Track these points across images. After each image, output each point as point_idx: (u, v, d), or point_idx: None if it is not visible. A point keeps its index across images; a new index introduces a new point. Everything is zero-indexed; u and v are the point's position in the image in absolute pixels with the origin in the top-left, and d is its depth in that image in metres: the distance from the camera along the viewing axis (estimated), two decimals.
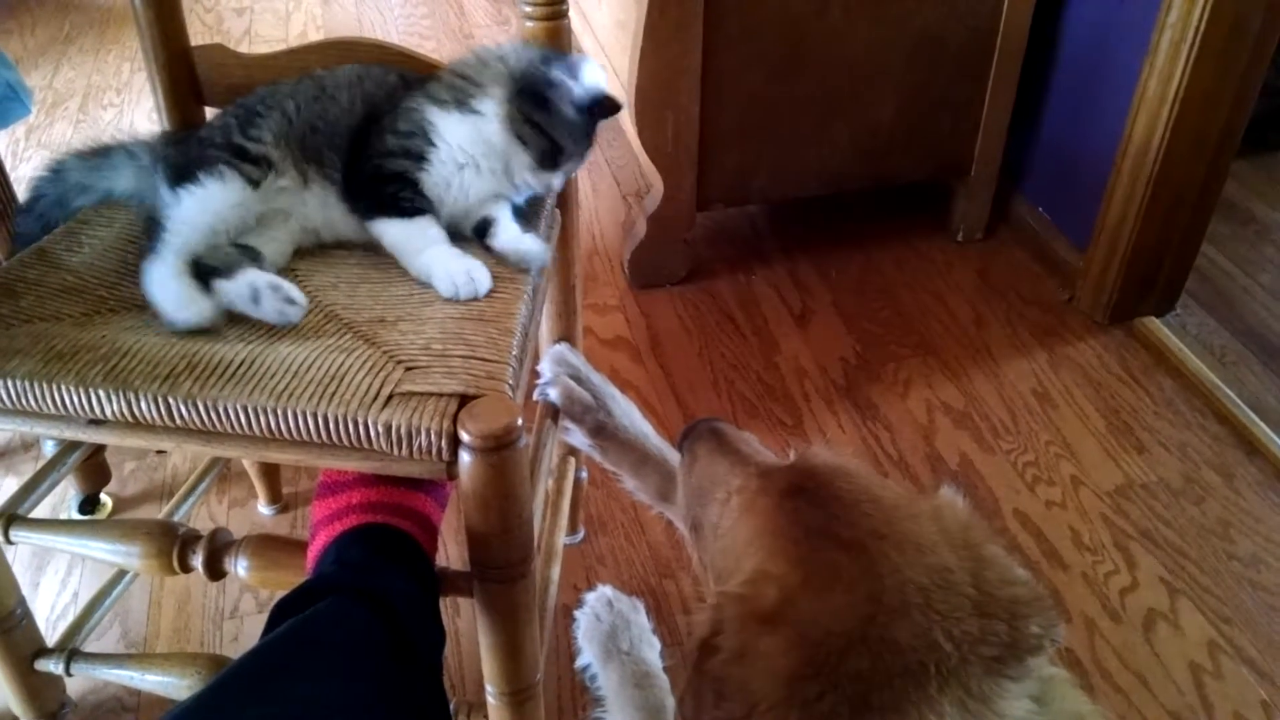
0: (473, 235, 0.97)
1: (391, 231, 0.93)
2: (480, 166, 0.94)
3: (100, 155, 1.01)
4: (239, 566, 1.00)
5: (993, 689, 0.59)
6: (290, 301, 0.86)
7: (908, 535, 0.64)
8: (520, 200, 1.00)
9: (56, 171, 1.01)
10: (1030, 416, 1.67)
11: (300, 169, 0.94)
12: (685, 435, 0.87)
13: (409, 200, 0.93)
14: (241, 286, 0.86)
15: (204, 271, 0.88)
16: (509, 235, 0.95)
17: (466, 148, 0.94)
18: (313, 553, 0.94)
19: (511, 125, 0.93)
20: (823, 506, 0.67)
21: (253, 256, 0.91)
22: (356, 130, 0.95)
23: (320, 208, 0.95)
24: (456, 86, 0.96)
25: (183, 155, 0.93)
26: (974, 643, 0.59)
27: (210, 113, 1.11)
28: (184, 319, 0.85)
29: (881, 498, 0.68)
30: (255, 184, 0.92)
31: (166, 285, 0.86)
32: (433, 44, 2.81)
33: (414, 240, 0.92)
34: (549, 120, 0.93)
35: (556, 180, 0.99)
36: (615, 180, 2.26)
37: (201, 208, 0.90)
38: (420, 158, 0.93)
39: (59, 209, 1.01)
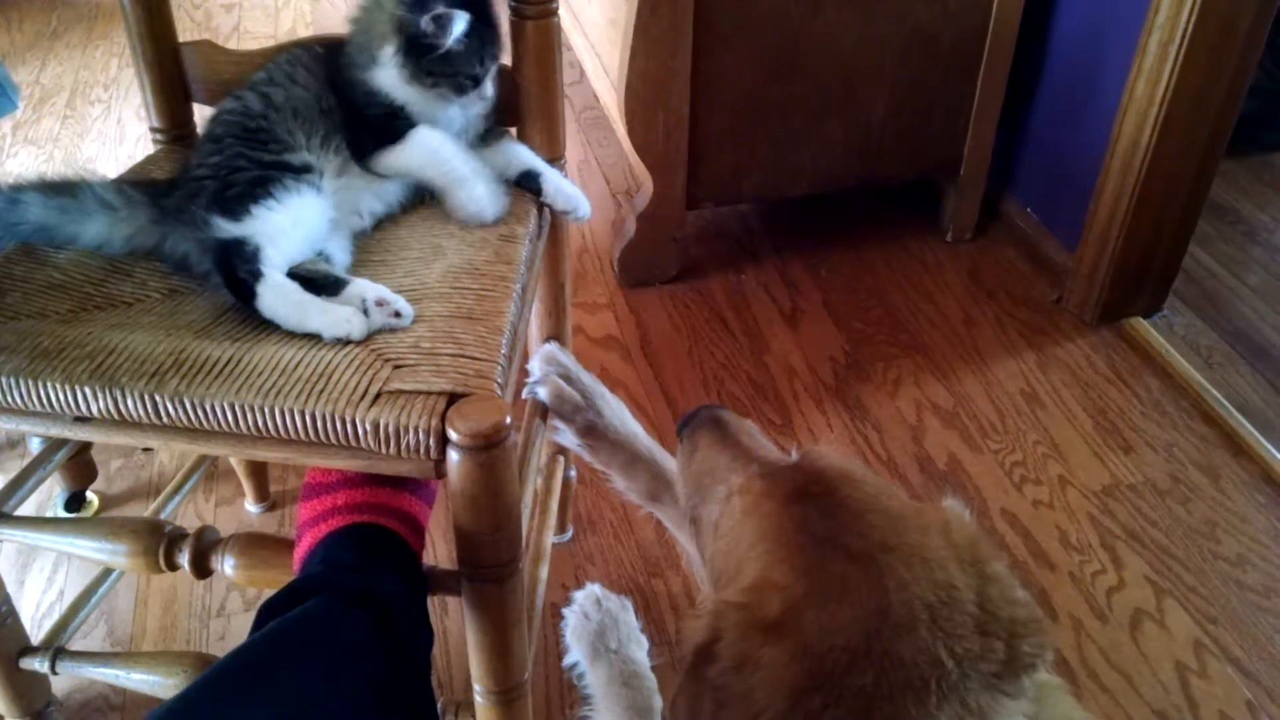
0: (518, 184, 1.04)
1: (400, 156, 0.97)
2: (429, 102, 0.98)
3: (66, 195, 0.93)
4: (226, 565, 0.99)
5: (989, 704, 0.59)
6: (397, 314, 0.86)
7: (916, 549, 0.63)
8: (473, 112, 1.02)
9: (14, 200, 0.93)
10: (1018, 416, 1.68)
11: (335, 159, 0.96)
12: (685, 422, 0.86)
13: (404, 123, 0.96)
14: (353, 301, 0.86)
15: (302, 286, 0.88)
16: (555, 185, 1.04)
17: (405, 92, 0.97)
18: (299, 554, 0.94)
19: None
20: (830, 515, 0.66)
21: (326, 261, 0.92)
22: (339, 103, 0.97)
23: (365, 188, 0.98)
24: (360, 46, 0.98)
25: (222, 186, 0.90)
26: (974, 659, 0.59)
27: (199, 110, 1.11)
28: (357, 333, 0.84)
29: (889, 508, 0.67)
30: (319, 190, 0.92)
31: (310, 307, 0.85)
32: None
33: (422, 154, 0.97)
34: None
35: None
36: (605, 179, 2.26)
37: (294, 219, 0.89)
38: (401, 113, 0.97)
39: (7, 238, 0.95)
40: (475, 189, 0.98)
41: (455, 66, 0.93)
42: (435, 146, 0.98)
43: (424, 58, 0.92)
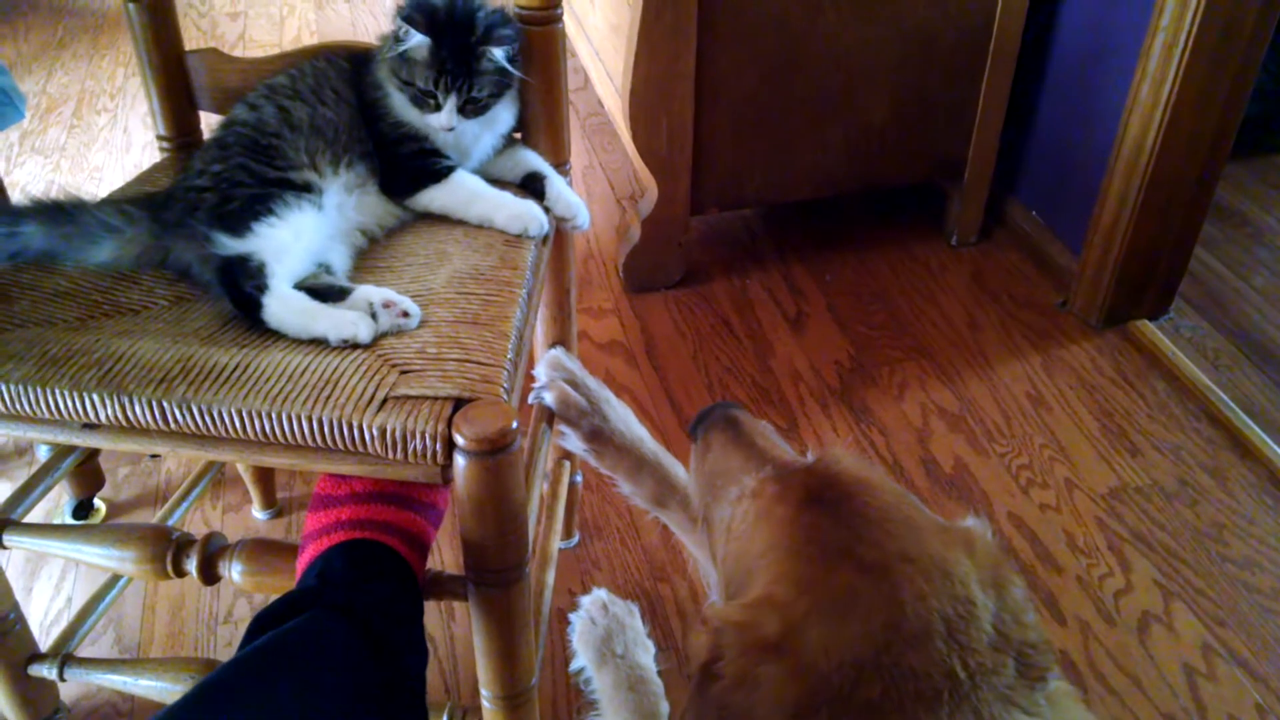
0: (522, 185, 1.06)
1: (435, 198, 1.01)
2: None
3: (68, 223, 0.93)
4: (233, 571, 1.00)
5: (1003, 716, 0.59)
6: (405, 314, 0.87)
7: (937, 562, 0.63)
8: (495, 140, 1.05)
9: (12, 233, 0.92)
10: (1024, 419, 1.68)
11: (343, 177, 0.96)
12: (699, 420, 0.86)
13: (436, 164, 1.00)
14: (360, 306, 0.87)
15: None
16: (558, 190, 1.06)
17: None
18: (301, 564, 0.93)
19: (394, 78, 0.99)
20: (844, 523, 0.66)
21: (328, 271, 0.92)
22: (361, 116, 1.00)
23: (371, 205, 0.99)
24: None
25: (221, 199, 0.91)
26: (987, 673, 0.59)
27: (205, 117, 1.12)
28: (364, 334, 0.85)
29: (909, 517, 0.66)
30: (319, 208, 0.93)
31: (316, 312, 0.86)
32: None
33: (459, 196, 1.00)
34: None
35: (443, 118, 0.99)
36: (610, 184, 2.26)
37: (295, 233, 0.90)
38: (423, 134, 1.00)
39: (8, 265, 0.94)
40: (515, 208, 1.01)
41: (411, 75, 0.96)
42: (473, 188, 1.01)
43: (392, 55, 0.97)
